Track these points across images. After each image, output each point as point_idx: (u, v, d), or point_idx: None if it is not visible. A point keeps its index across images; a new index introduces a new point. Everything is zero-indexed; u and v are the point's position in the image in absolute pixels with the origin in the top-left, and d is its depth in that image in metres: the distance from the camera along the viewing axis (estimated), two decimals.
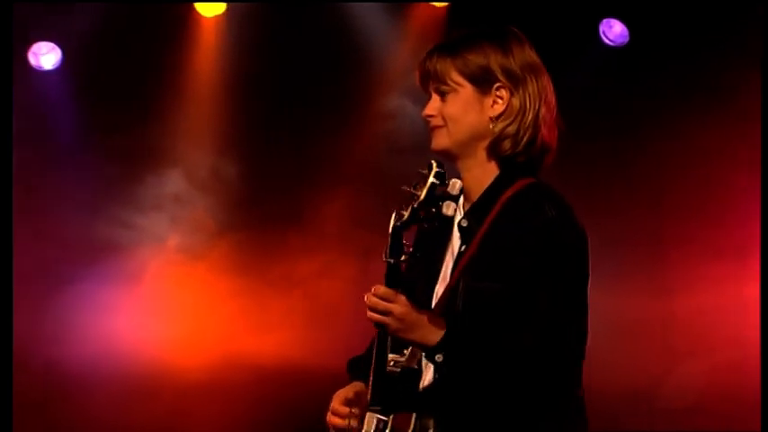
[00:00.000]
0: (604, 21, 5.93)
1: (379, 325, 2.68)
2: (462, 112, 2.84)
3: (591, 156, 5.76)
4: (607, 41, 5.95)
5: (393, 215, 2.74)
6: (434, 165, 2.71)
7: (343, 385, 2.97)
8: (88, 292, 6.19)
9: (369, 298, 2.67)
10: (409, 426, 2.79)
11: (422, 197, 2.68)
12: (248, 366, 6.07)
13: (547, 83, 2.84)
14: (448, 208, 2.76)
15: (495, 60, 2.84)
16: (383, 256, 2.74)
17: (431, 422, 2.81)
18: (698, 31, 5.69)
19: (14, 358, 5.69)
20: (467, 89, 2.83)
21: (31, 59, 6.36)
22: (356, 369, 2.99)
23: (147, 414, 6.06)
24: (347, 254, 5.99)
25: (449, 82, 2.85)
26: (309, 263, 6.15)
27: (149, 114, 6.31)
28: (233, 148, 6.38)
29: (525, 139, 2.80)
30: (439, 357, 2.69)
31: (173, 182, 6.41)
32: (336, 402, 2.89)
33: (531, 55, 2.87)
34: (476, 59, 2.84)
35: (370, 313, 2.67)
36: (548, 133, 2.83)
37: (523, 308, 2.76)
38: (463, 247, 2.85)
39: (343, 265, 6.00)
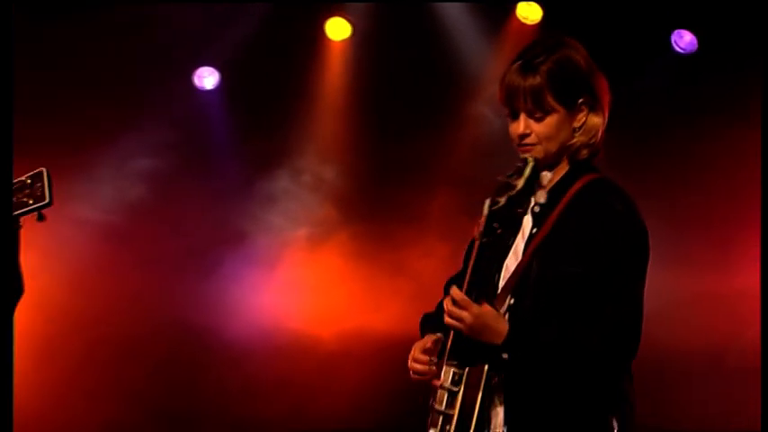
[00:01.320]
0: (676, 31, 5.97)
1: (452, 328, 2.71)
2: (556, 131, 2.82)
3: (665, 147, 5.89)
4: (678, 49, 6.01)
5: (487, 202, 2.72)
6: (530, 160, 2.74)
7: None
8: (236, 274, 6.39)
9: (446, 303, 2.71)
10: (481, 380, 2.75)
11: (519, 187, 2.68)
12: (368, 336, 6.19)
13: (609, 95, 2.89)
14: (541, 197, 2.81)
15: (581, 81, 2.83)
16: (477, 236, 2.73)
17: (499, 379, 2.77)
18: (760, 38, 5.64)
19: (179, 329, 6.26)
20: (560, 112, 2.81)
21: (196, 81, 6.56)
22: (428, 324, 3.02)
23: (293, 374, 6.24)
24: (444, 241, 5.95)
25: (545, 107, 2.81)
26: (412, 250, 6.25)
27: (285, 124, 6.48)
28: (353, 152, 6.50)
29: (597, 145, 2.86)
30: (504, 356, 2.69)
31: (301, 181, 6.56)
32: (416, 351, 2.92)
33: (599, 72, 2.89)
34: (568, 83, 2.81)
35: (446, 317, 2.71)
36: (602, 138, 2.88)
37: (591, 298, 2.72)
38: (534, 230, 2.82)
39: (440, 251, 5.95)
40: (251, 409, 6.19)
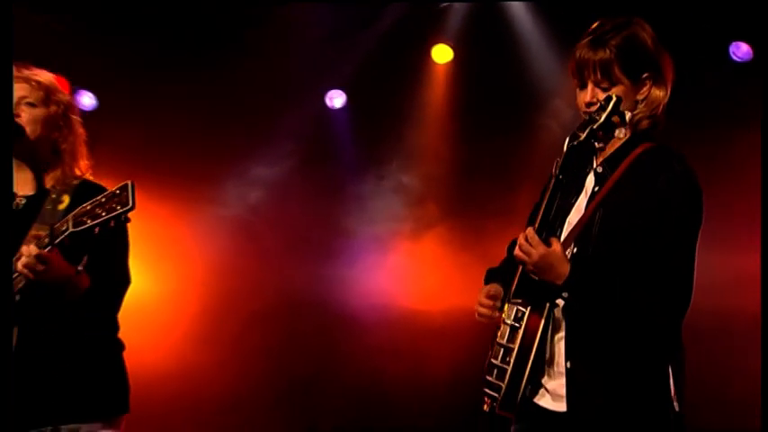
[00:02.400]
0: (733, 43, 5.97)
1: (519, 262, 2.67)
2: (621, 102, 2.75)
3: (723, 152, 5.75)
4: (735, 59, 5.99)
5: (568, 138, 2.69)
6: (614, 97, 2.68)
7: None
8: (353, 260, 6.61)
9: (520, 238, 2.67)
10: (542, 318, 2.71)
11: (601, 120, 2.64)
12: (462, 313, 6.06)
13: (672, 73, 2.82)
14: (620, 132, 2.77)
15: (647, 56, 2.77)
16: (554, 172, 2.69)
17: (561, 316, 2.73)
18: None
19: (308, 306, 6.45)
20: (625, 83, 2.75)
21: (327, 101, 6.81)
22: (492, 275, 3.01)
23: (405, 344, 6.39)
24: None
25: (612, 78, 2.75)
26: (499, 240, 6.00)
27: (397, 135, 6.66)
28: (449, 156, 6.58)
29: (658, 117, 2.80)
30: (565, 295, 2.64)
31: (408, 181, 6.74)
32: (482, 296, 2.91)
33: (665, 51, 2.82)
34: (634, 58, 2.74)
35: (516, 250, 2.66)
36: (664, 112, 2.82)
37: (650, 250, 2.64)
38: (597, 188, 2.75)
39: None
40: (369, 374, 6.37)
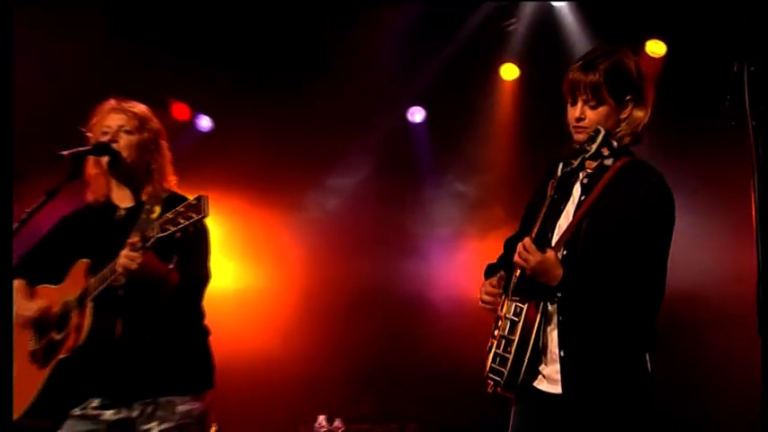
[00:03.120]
0: None
1: (519, 266, 2.76)
2: (605, 119, 2.83)
3: None
4: None
5: (560, 164, 2.78)
6: (602, 130, 2.76)
7: None
8: (430, 256, 6.83)
9: (519, 246, 2.76)
10: (538, 313, 2.79)
11: (592, 151, 2.73)
12: None
13: (653, 93, 2.90)
14: (608, 160, 2.83)
15: (630, 81, 2.85)
16: (550, 190, 2.80)
17: (554, 312, 2.79)
18: None
19: (389, 296, 6.54)
20: (610, 103, 2.83)
21: (409, 117, 7.07)
22: (491, 271, 3.07)
23: (480, 332, 6.38)
24: None
25: (599, 98, 2.83)
26: None
27: (467, 147, 6.82)
28: (516, 166, 6.68)
29: (638, 135, 2.88)
30: (558, 294, 2.74)
31: (476, 188, 6.92)
32: (487, 286, 2.98)
33: (647, 77, 2.90)
34: (620, 82, 2.82)
35: (516, 256, 2.75)
36: (644, 130, 2.89)
37: (630, 253, 2.71)
38: (583, 197, 2.84)
39: None
40: (446, 356, 6.43)
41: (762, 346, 2.15)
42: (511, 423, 2.92)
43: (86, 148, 3.32)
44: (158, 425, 3.19)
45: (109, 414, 3.24)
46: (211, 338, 5.98)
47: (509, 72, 6.80)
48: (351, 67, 6.45)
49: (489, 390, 2.84)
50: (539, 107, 6.49)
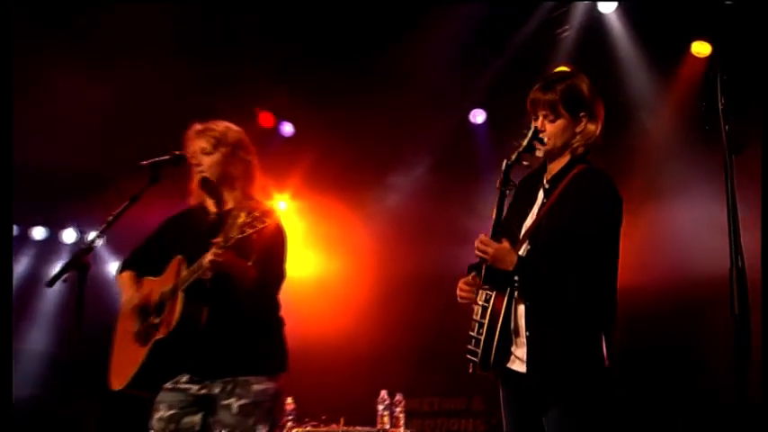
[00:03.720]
0: None
1: (481, 258, 2.91)
2: (561, 131, 3.00)
3: None
4: None
5: (504, 161, 2.96)
6: (533, 126, 2.98)
7: None
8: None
9: (476, 241, 2.92)
10: (504, 297, 2.92)
11: (524, 144, 2.95)
12: None
13: (603, 111, 3.07)
14: (539, 152, 2.98)
15: (582, 99, 3.02)
16: (498, 187, 2.96)
17: (521, 299, 2.92)
18: None
19: (450, 279, 6.51)
20: (566, 117, 3.00)
21: (471, 118, 7.10)
22: (471, 269, 3.10)
23: None
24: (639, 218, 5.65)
25: (556, 113, 3.00)
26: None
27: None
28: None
29: (591, 146, 3.05)
30: (516, 278, 2.87)
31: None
32: (462, 283, 3.07)
33: (599, 96, 3.08)
34: (573, 100, 3.00)
35: (475, 250, 2.92)
36: (599, 141, 3.06)
37: (577, 242, 2.87)
38: (545, 200, 3.02)
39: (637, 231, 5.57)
40: None
41: (734, 326, 2.28)
42: (501, 404, 3.06)
43: (164, 158, 3.51)
44: (236, 401, 3.36)
45: (195, 389, 3.43)
46: (294, 320, 6.16)
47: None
48: (414, 72, 6.48)
49: (470, 370, 2.94)
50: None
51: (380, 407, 5.65)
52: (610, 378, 2.88)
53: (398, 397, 5.71)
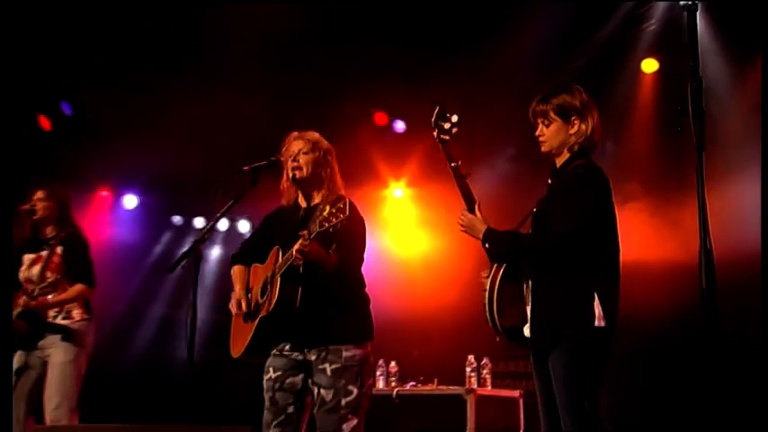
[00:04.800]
0: None
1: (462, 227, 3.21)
2: (556, 134, 3.19)
3: None
4: None
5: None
6: (437, 107, 3.29)
7: None
8: None
9: (458, 216, 3.27)
10: (499, 272, 3.15)
11: (432, 122, 3.34)
12: (671, 265, 5.92)
13: (596, 113, 3.23)
14: (447, 123, 3.33)
15: (572, 104, 3.18)
16: (448, 163, 3.28)
17: (512, 269, 3.14)
18: None
19: None
20: (558, 121, 3.19)
21: None
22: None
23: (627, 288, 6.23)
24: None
25: (549, 119, 3.20)
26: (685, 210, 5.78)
27: (612, 130, 6.41)
28: (653, 146, 6.35)
29: (586, 143, 3.20)
30: (486, 245, 3.17)
31: (620, 165, 6.48)
32: (482, 275, 3.27)
33: (588, 99, 3.23)
34: (563, 106, 3.18)
35: (458, 222, 3.26)
36: (596, 138, 3.23)
37: (552, 215, 3.09)
38: (548, 192, 3.25)
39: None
40: None
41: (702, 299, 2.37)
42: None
43: (262, 163, 3.70)
44: (329, 365, 3.54)
45: (295, 355, 3.63)
46: (404, 294, 6.38)
47: (649, 65, 6.58)
48: (510, 66, 6.40)
49: (497, 339, 3.17)
50: (672, 95, 6.20)
51: (468, 369, 5.81)
52: (602, 335, 2.97)
53: (485, 360, 5.83)
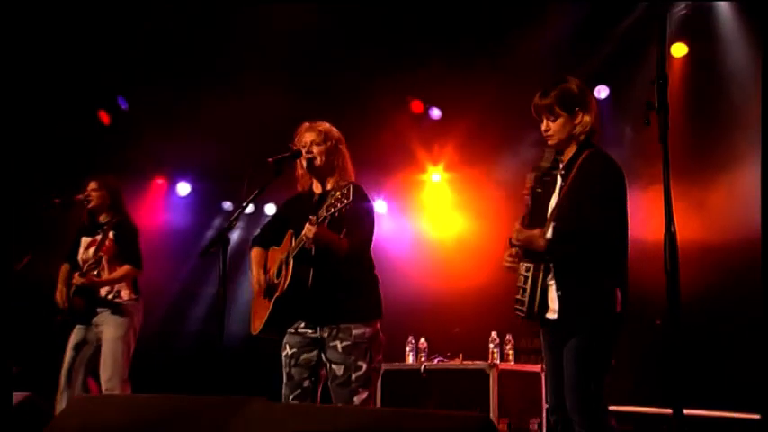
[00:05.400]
0: None
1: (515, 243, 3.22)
2: (562, 127, 3.24)
3: None
4: None
5: (532, 174, 3.29)
6: (550, 151, 3.30)
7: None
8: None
9: (513, 232, 3.24)
10: (541, 271, 3.19)
11: (546, 165, 3.30)
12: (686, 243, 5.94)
13: (595, 101, 3.31)
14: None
15: (574, 97, 3.25)
16: (530, 190, 3.28)
17: (551, 268, 3.18)
18: None
19: None
20: (563, 115, 3.24)
21: (595, 94, 6.12)
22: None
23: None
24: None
25: (554, 113, 3.24)
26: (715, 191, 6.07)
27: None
28: (681, 128, 5.93)
29: (590, 132, 3.26)
30: (547, 257, 3.16)
31: (649, 148, 6.30)
32: (507, 254, 3.31)
33: (588, 91, 3.30)
34: (564, 98, 3.24)
35: (513, 239, 3.23)
36: (597, 126, 3.27)
37: (589, 213, 3.11)
38: (563, 185, 3.25)
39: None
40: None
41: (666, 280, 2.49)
42: (541, 342, 3.40)
43: (285, 154, 3.80)
44: (340, 342, 3.65)
45: (310, 332, 3.74)
46: (437, 274, 6.44)
47: (679, 50, 6.54)
48: (532, 54, 6.43)
49: (520, 319, 3.29)
50: (701, 79, 6.35)
51: (491, 345, 5.96)
52: (619, 319, 3.14)
53: (508, 337, 5.96)
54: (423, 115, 7.65)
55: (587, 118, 3.24)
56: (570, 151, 3.27)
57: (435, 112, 7.68)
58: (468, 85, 6.81)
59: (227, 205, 8.32)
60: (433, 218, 7.94)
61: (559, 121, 3.23)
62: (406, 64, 6.88)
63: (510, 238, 3.23)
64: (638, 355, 6.15)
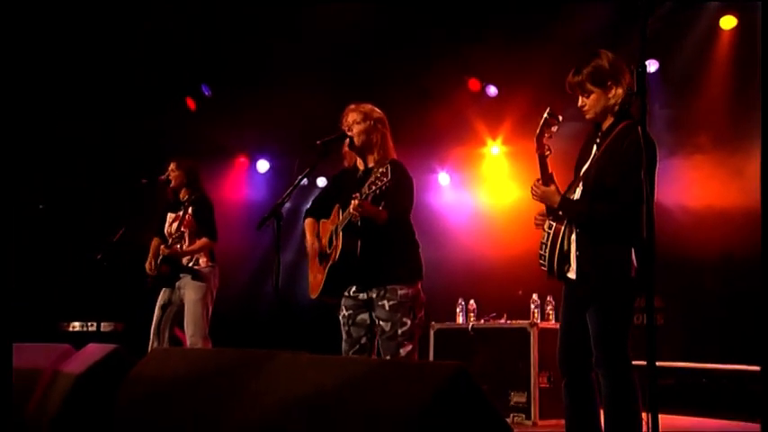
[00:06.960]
0: None
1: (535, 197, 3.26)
2: (596, 102, 3.22)
3: None
4: None
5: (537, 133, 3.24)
6: (546, 110, 3.25)
7: None
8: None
9: (532, 186, 3.29)
10: (562, 227, 3.24)
11: (538, 130, 3.26)
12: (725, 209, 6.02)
13: (627, 72, 3.19)
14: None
15: (606, 72, 3.20)
16: (536, 150, 3.26)
17: (573, 228, 3.21)
18: None
19: None
20: (597, 91, 3.22)
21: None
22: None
23: (709, 231, 6.17)
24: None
25: (587, 90, 3.24)
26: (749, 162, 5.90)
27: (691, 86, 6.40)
28: (728, 101, 6.21)
29: (624, 104, 3.22)
30: (560, 212, 3.22)
31: (688, 120, 6.46)
32: (537, 214, 3.35)
33: (620, 64, 3.21)
34: (595, 73, 3.21)
35: (531, 192, 3.29)
36: (629, 98, 3.19)
37: (614, 179, 3.10)
38: (596, 152, 3.27)
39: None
40: (675, 245, 5.97)
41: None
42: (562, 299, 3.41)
43: (332, 136, 3.93)
44: (387, 302, 3.82)
45: (361, 295, 3.91)
46: (493, 241, 6.50)
47: (728, 22, 6.40)
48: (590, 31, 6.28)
49: (547, 275, 3.33)
50: (750, 51, 6.03)
51: (532, 306, 6.08)
52: (634, 284, 3.11)
53: (549, 298, 6.03)
54: (480, 93, 7.71)
55: (620, 90, 3.20)
56: (607, 123, 3.26)
57: (492, 90, 7.71)
58: (524, 62, 6.80)
59: (304, 181, 8.53)
60: (492, 189, 8.02)
61: (593, 96, 3.22)
62: (461, 44, 6.96)
63: (532, 188, 3.27)
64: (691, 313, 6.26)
